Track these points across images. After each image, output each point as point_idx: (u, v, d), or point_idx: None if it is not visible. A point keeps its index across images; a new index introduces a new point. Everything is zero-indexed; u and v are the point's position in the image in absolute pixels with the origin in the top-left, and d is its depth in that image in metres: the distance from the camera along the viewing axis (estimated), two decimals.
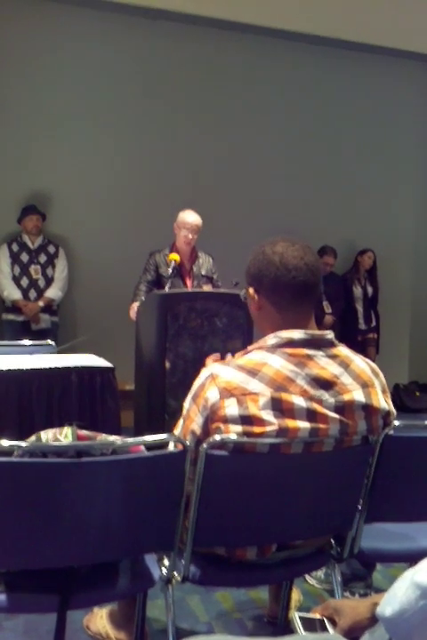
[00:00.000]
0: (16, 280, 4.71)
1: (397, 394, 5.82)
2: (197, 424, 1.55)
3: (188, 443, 1.50)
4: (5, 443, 1.36)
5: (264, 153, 5.66)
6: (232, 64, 5.59)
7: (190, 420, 1.58)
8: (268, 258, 1.58)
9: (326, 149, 5.90)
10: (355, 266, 5.86)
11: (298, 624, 1.20)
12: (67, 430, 1.55)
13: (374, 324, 5.88)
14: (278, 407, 1.49)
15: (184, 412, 1.61)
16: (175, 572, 1.61)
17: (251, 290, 1.63)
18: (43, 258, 4.82)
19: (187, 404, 1.61)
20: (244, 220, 5.37)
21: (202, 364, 1.68)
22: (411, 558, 1.87)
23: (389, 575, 2.51)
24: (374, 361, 1.70)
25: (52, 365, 2.96)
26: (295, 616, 1.22)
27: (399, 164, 6.25)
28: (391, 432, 1.63)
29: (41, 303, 4.71)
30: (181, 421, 1.63)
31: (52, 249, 4.88)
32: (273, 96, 5.72)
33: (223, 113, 5.56)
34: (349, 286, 5.77)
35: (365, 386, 1.58)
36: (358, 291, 5.81)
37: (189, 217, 3.93)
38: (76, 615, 2.01)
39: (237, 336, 3.31)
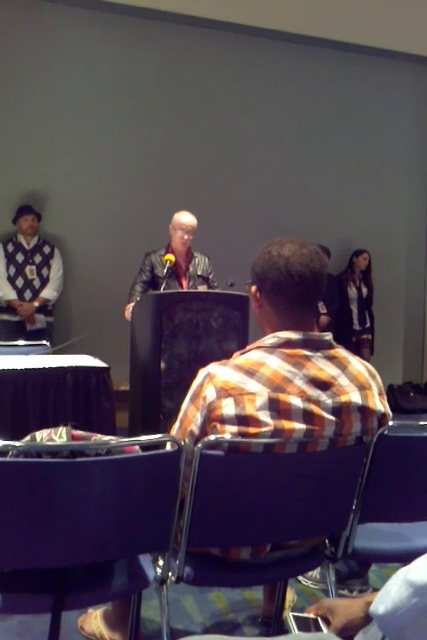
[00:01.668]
0: (11, 280, 4.71)
1: (391, 394, 5.82)
2: (195, 425, 1.54)
3: (183, 443, 1.50)
4: (0, 443, 1.36)
5: (260, 154, 5.66)
6: (228, 65, 5.60)
7: (188, 420, 1.57)
8: (273, 260, 1.55)
9: (321, 150, 5.91)
10: (350, 266, 5.87)
11: (292, 624, 1.20)
12: (61, 430, 1.55)
13: (368, 324, 5.89)
14: (276, 408, 1.48)
15: (181, 413, 1.60)
16: (170, 573, 1.61)
17: (253, 288, 1.62)
18: (38, 258, 4.82)
19: (184, 405, 1.60)
20: (239, 221, 5.38)
21: (197, 365, 1.67)
22: (405, 558, 1.87)
23: (383, 575, 2.52)
24: (368, 362, 1.70)
25: (47, 365, 2.96)
26: (289, 616, 1.22)
27: (395, 166, 6.26)
28: (386, 432, 1.63)
29: (36, 303, 4.71)
30: (177, 423, 1.62)
31: (47, 249, 4.88)
32: (270, 97, 5.74)
33: (219, 114, 5.57)
34: (343, 287, 5.78)
35: (362, 388, 1.58)
36: (352, 291, 5.82)
37: (184, 218, 3.92)
38: (70, 616, 2.00)
39: (233, 337, 3.31)
